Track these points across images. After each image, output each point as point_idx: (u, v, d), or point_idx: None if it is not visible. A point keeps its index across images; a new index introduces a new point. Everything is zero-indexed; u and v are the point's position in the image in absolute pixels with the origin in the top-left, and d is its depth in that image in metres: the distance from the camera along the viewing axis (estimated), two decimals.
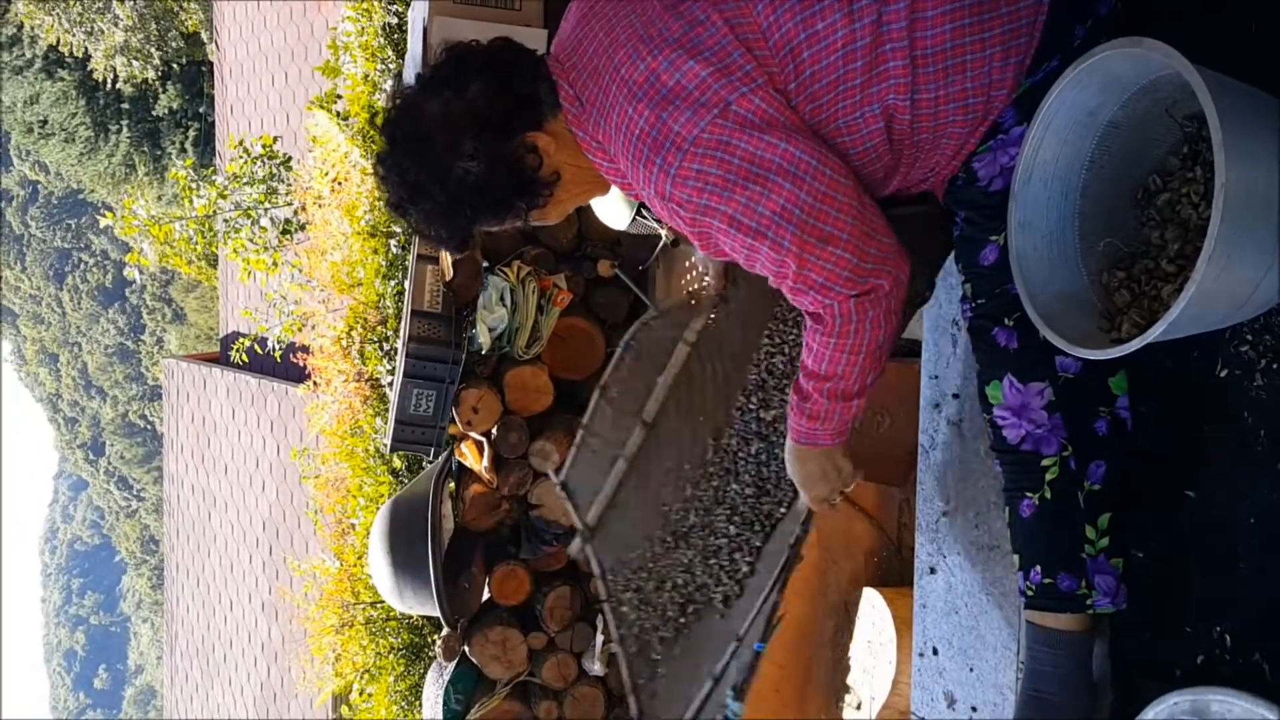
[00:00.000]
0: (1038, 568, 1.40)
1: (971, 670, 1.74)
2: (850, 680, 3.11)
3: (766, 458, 1.88)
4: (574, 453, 2.03)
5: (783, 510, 1.84)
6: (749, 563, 1.84)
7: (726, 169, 1.28)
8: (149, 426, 32.86)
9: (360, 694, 4.24)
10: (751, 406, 1.91)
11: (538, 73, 1.41)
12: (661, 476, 1.94)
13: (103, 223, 4.78)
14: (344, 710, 4.52)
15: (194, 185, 4.57)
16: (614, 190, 3.16)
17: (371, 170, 1.62)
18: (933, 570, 1.85)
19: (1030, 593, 1.41)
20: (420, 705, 3.85)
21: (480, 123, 1.36)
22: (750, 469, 1.89)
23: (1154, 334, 1.12)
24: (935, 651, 1.84)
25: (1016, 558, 1.44)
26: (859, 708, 3.03)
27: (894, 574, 3.19)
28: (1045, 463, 1.39)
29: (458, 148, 1.36)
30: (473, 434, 3.56)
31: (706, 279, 1.96)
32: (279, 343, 4.63)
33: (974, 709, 1.74)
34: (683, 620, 1.87)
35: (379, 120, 1.47)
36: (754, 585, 1.81)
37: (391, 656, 4.13)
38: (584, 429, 2.01)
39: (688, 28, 1.31)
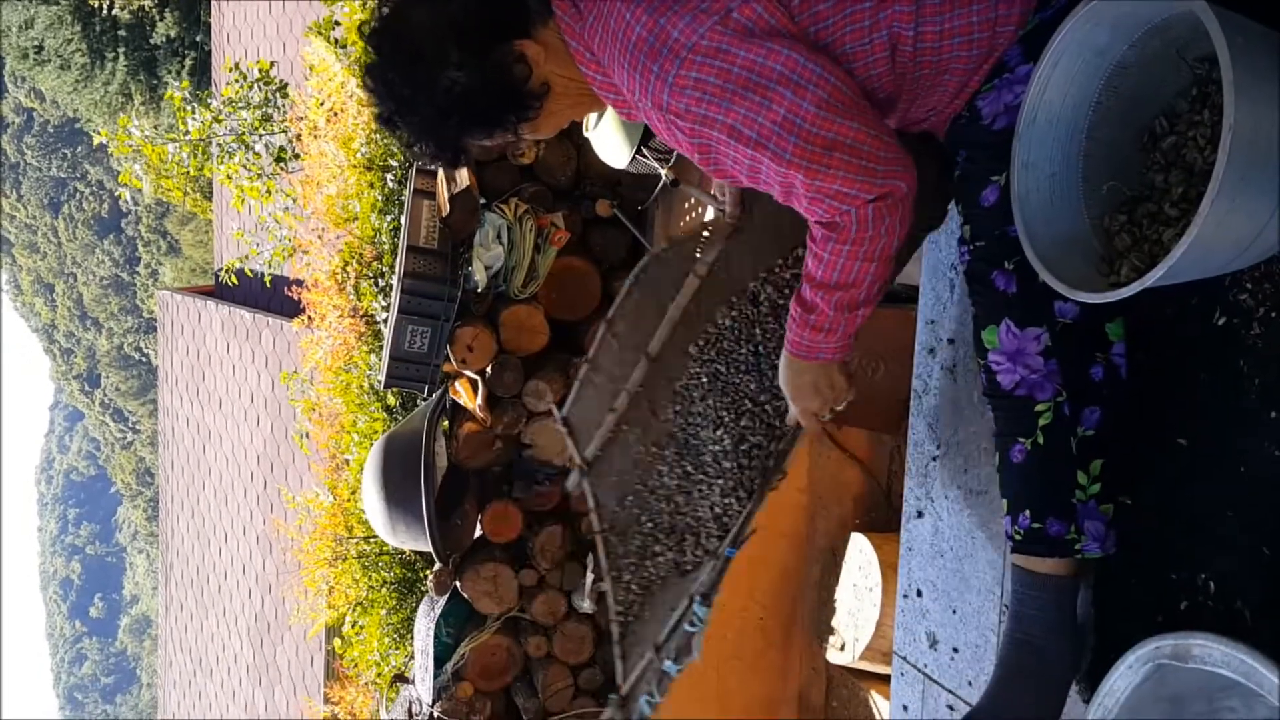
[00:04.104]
0: (1027, 512, 1.40)
1: (955, 612, 1.76)
2: (835, 622, 3.14)
3: (760, 389, 1.86)
4: (576, 388, 2.01)
5: (773, 444, 1.82)
6: (740, 496, 1.83)
7: (726, 78, 1.25)
8: (144, 359, 32.89)
9: (353, 626, 4.28)
10: (754, 336, 1.88)
11: None
12: (664, 409, 1.92)
13: (96, 141, 4.73)
14: (336, 643, 4.58)
15: (189, 107, 4.52)
16: (613, 128, 3.13)
17: (360, 84, 1.59)
18: (920, 514, 1.86)
19: (1018, 537, 1.41)
20: (412, 638, 3.90)
21: (466, 30, 1.32)
22: (747, 400, 1.87)
23: (1153, 278, 1.10)
24: (919, 594, 1.85)
25: (1005, 502, 1.44)
26: (843, 649, 3.07)
27: (882, 520, 3.21)
28: (1039, 408, 1.38)
29: (443, 57, 1.32)
30: (467, 372, 3.56)
31: (723, 206, 1.91)
32: (269, 266, 4.61)
33: (955, 650, 1.75)
34: (677, 553, 1.87)
35: (366, 30, 1.42)
36: (736, 506, 1.82)
37: (384, 590, 4.17)
38: (588, 364, 1.99)
39: None
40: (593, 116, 3.42)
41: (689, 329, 1.93)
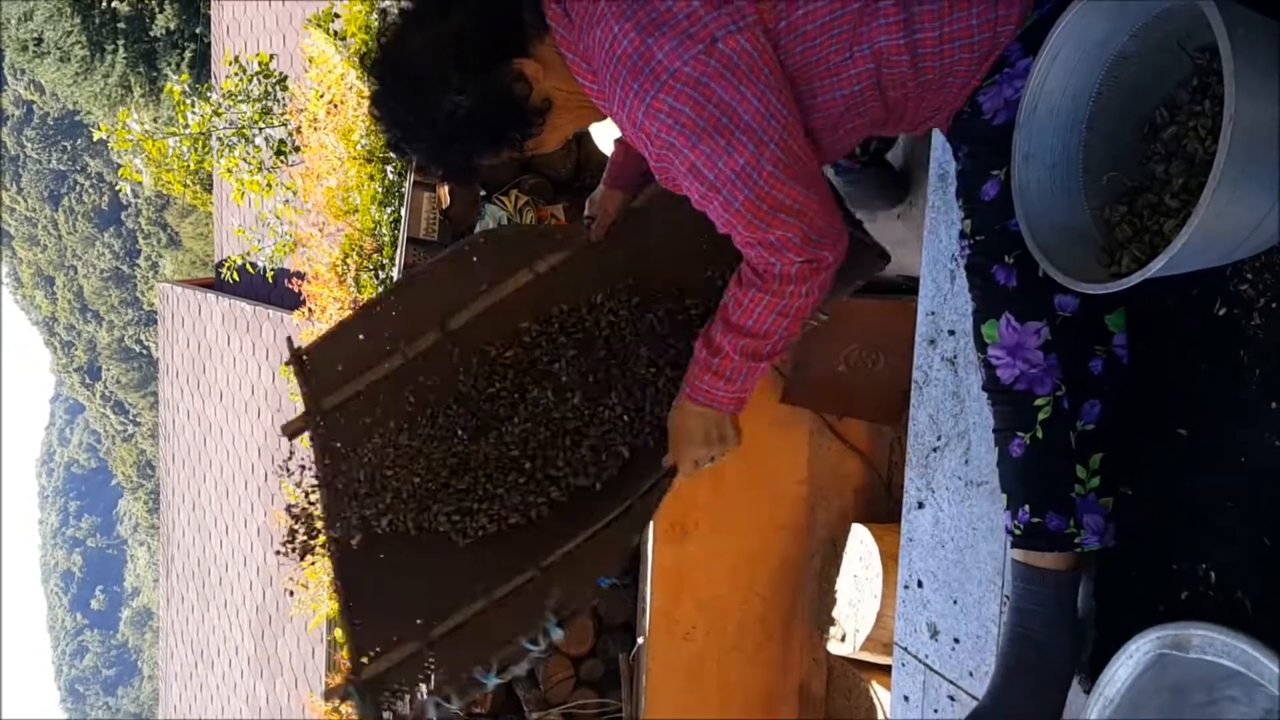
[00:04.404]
0: (1026, 507, 1.40)
1: (955, 603, 1.76)
2: (836, 613, 3.14)
3: (581, 409, 1.81)
4: (338, 330, 1.91)
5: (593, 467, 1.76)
6: (542, 503, 1.77)
7: (699, 112, 1.28)
8: (145, 351, 32.88)
9: None
10: (573, 355, 1.84)
11: None
12: (447, 388, 1.86)
13: (96, 136, 4.74)
14: (337, 634, 4.58)
15: (188, 101, 4.52)
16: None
17: (369, 114, 1.61)
18: (921, 505, 1.86)
19: (1018, 532, 1.42)
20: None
21: (463, 53, 1.34)
22: (557, 419, 1.81)
23: (1153, 269, 1.10)
24: (920, 584, 1.86)
25: (1005, 497, 1.44)
26: (843, 639, 3.07)
27: (882, 511, 3.22)
28: (1038, 402, 1.38)
29: (443, 82, 1.34)
30: None
31: (590, 220, 1.90)
32: (270, 263, 4.62)
33: (956, 640, 1.76)
34: (440, 536, 1.78)
35: (368, 61, 1.45)
36: (560, 525, 1.73)
37: None
38: (365, 308, 1.91)
39: None
40: None
41: (502, 317, 1.88)
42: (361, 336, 1.89)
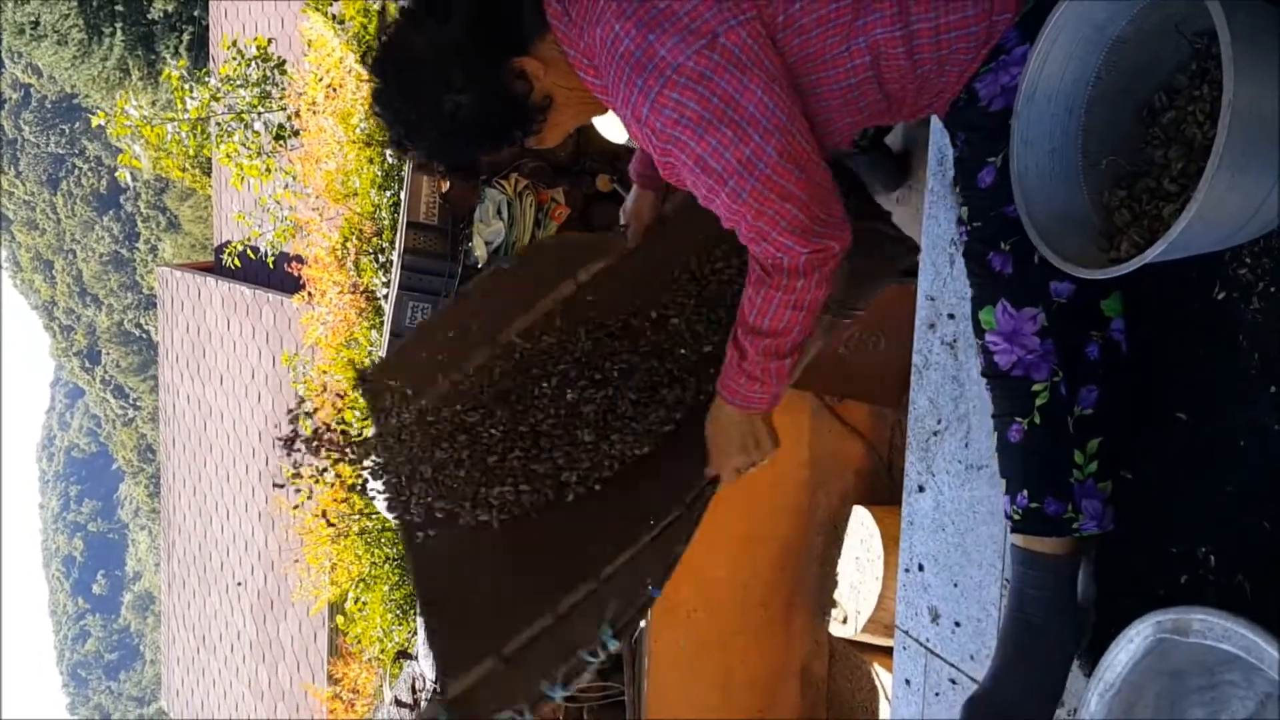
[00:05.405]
0: (1025, 492, 1.41)
1: (956, 586, 1.77)
2: (837, 595, 3.16)
3: (609, 409, 1.82)
4: (394, 353, 1.93)
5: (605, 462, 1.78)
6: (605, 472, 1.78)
7: (704, 105, 1.28)
8: (145, 335, 32.88)
9: (355, 603, 4.31)
10: (617, 362, 1.86)
11: None
12: (500, 406, 1.86)
13: (94, 123, 4.73)
14: (339, 618, 4.60)
15: (186, 87, 4.51)
16: None
17: (369, 110, 1.63)
18: (921, 488, 1.87)
19: (1017, 517, 1.42)
20: (414, 614, 3.92)
21: (465, 52, 1.35)
22: (596, 420, 1.82)
23: (1153, 254, 1.10)
24: (921, 568, 1.86)
25: (1004, 481, 1.45)
26: (845, 622, 3.09)
27: (883, 493, 3.23)
28: (1035, 388, 1.39)
29: (446, 81, 1.35)
30: None
31: (625, 227, 1.93)
32: (271, 248, 4.62)
33: (957, 624, 1.76)
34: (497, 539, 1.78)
35: (369, 59, 1.47)
36: (616, 536, 1.72)
37: (386, 567, 4.19)
38: (420, 329, 1.93)
39: None
40: None
41: (550, 332, 1.90)
42: (424, 355, 1.91)
